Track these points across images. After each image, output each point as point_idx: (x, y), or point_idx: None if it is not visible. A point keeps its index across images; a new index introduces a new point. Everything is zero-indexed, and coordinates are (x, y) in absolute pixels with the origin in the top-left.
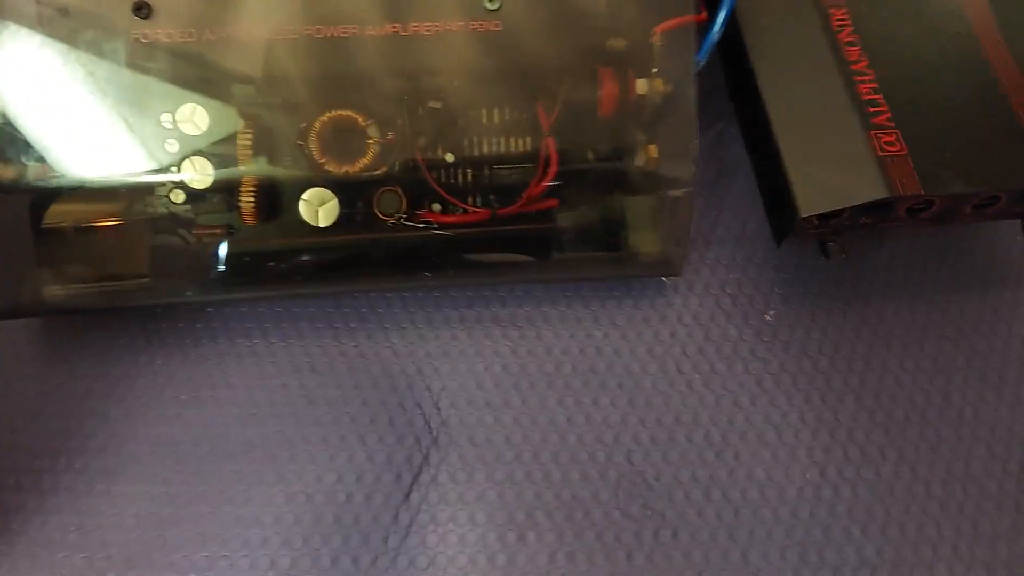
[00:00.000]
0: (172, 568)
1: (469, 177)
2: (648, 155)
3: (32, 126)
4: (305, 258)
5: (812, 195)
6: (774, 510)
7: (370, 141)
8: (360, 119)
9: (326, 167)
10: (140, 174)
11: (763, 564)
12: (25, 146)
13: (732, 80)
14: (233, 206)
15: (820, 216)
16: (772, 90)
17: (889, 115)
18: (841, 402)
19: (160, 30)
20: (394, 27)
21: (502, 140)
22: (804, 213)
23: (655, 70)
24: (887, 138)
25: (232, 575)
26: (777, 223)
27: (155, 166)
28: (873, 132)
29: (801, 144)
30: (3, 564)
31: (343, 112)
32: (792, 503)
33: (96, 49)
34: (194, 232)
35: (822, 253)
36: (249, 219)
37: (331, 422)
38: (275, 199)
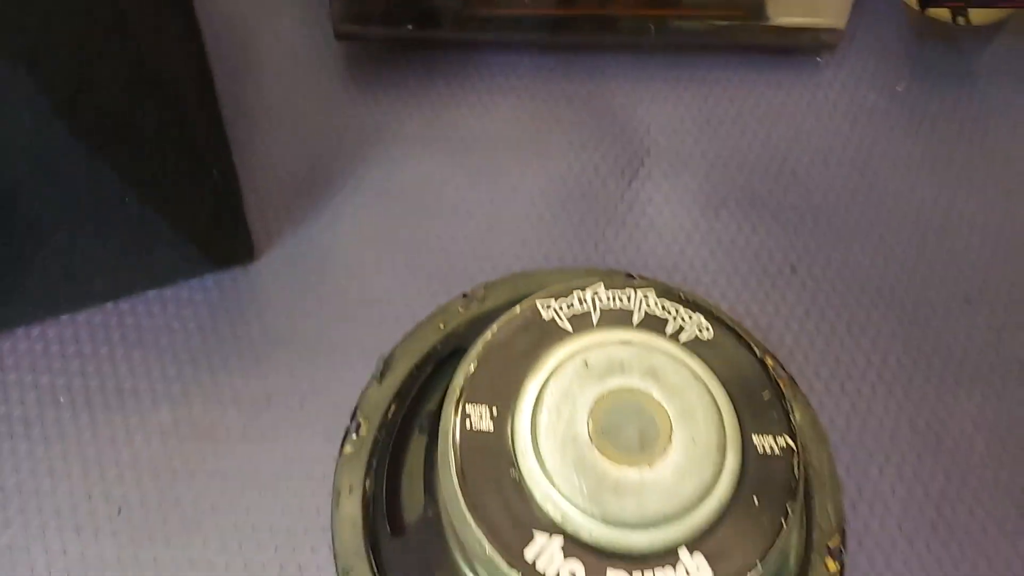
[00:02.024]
0: (466, 214)
1: None
2: None
3: None
4: (559, 14)
5: None
6: (903, 214)
7: None
8: None
9: None
10: None
11: (894, 243)
12: None
13: None
14: None
15: None
16: None
17: None
18: (953, 154)
19: None
20: None
21: None
22: None
23: None
24: None
25: (509, 221)
26: None
27: None
28: None
29: None
30: (330, 221)
31: None
32: (916, 210)
33: None
34: None
35: (953, 19)
36: None
37: (573, 133)
38: None
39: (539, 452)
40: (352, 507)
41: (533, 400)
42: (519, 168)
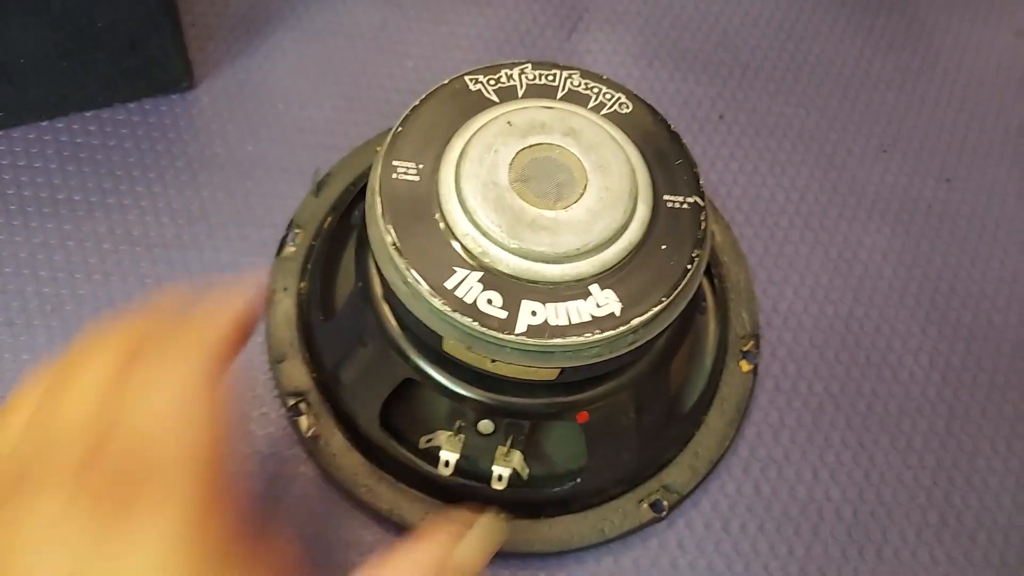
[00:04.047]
0: (404, 55)
1: None
2: None
3: None
4: None
5: None
6: (825, 72)
7: None
8: None
9: None
10: None
11: (816, 97)
12: None
13: None
14: None
15: None
16: None
17: None
18: (874, 24)
19: None
20: None
21: None
22: None
23: None
24: None
25: (447, 62)
26: None
27: None
28: None
29: None
30: (269, 55)
31: None
32: (838, 70)
33: None
34: None
35: None
36: None
37: None
38: None
39: (461, 195)
40: (287, 304)
41: (458, 154)
42: (457, 15)
